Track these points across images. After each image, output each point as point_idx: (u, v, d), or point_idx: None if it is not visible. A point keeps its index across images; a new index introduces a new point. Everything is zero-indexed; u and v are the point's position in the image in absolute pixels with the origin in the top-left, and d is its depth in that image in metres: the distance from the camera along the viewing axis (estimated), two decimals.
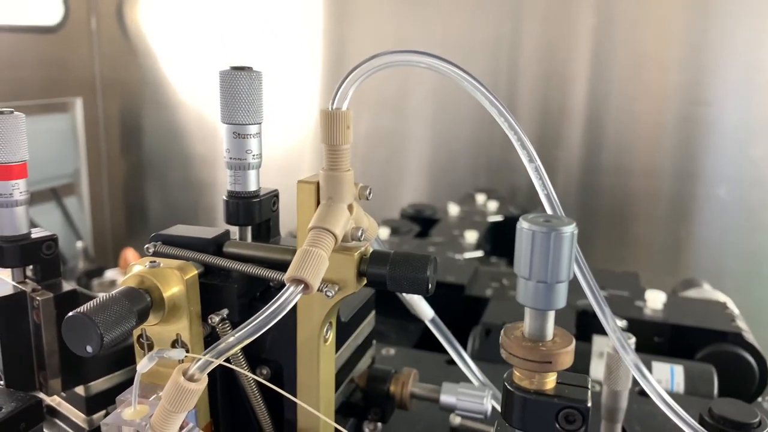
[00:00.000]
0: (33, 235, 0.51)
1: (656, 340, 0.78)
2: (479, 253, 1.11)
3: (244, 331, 0.37)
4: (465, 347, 0.76)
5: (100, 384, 0.53)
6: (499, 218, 1.32)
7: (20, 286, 0.50)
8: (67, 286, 0.51)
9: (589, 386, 0.33)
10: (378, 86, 1.76)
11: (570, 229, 0.30)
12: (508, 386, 0.33)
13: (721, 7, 1.44)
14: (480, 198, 1.44)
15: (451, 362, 0.58)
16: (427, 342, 0.70)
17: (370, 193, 0.45)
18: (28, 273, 0.51)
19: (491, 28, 1.65)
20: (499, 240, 1.28)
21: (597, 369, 0.72)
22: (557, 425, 0.32)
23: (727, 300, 0.88)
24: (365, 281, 0.45)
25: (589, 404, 0.32)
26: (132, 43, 2.03)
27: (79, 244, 1.64)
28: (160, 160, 2.12)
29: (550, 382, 0.33)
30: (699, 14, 1.47)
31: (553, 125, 1.63)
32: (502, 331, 0.33)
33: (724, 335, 0.76)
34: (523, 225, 0.31)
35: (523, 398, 0.32)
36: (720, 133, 1.48)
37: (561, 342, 0.32)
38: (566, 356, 0.31)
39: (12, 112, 0.47)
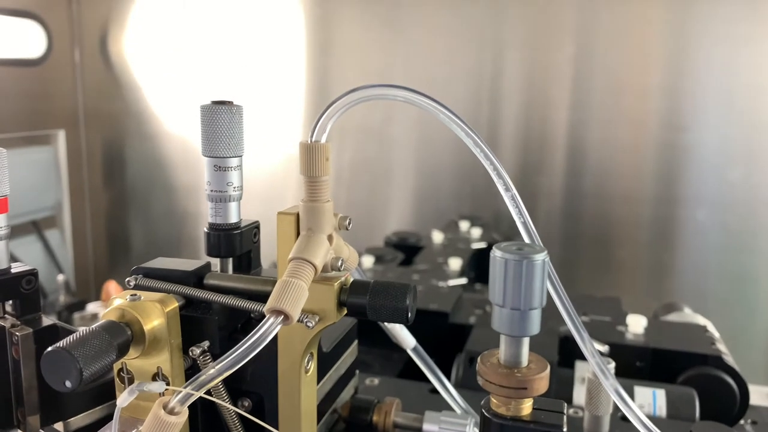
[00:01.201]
0: (13, 270, 0.51)
1: (638, 364, 0.79)
2: (463, 281, 1.11)
3: (224, 363, 0.37)
4: (449, 375, 0.77)
5: (79, 420, 0.53)
6: (482, 245, 1.33)
7: None
8: (47, 320, 0.51)
9: (565, 411, 0.33)
10: (362, 115, 1.78)
11: (542, 257, 0.31)
12: (485, 413, 0.33)
13: (698, 35, 1.48)
14: (464, 225, 1.45)
15: (435, 391, 0.58)
16: (412, 371, 0.70)
17: (350, 224, 0.46)
18: (8, 308, 0.51)
19: (472, 58, 1.68)
20: (483, 267, 1.28)
21: (580, 395, 0.72)
22: None
23: (707, 323, 0.89)
24: (345, 311, 0.45)
25: (565, 429, 0.32)
26: (115, 75, 2.04)
27: (60, 278, 1.62)
28: (143, 191, 2.12)
29: (527, 407, 0.33)
30: (677, 42, 1.51)
31: (535, 152, 1.66)
32: (478, 359, 0.34)
33: (704, 358, 0.77)
34: (496, 253, 0.32)
35: (500, 425, 0.33)
36: (698, 157, 1.52)
37: (536, 368, 0.33)
38: (541, 382, 0.32)
39: None
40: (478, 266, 1.28)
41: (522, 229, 0.44)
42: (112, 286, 1.38)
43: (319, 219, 0.43)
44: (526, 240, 0.42)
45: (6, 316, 0.51)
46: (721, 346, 0.80)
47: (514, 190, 0.45)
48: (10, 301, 0.51)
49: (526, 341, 0.33)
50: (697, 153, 1.52)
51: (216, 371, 0.37)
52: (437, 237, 1.35)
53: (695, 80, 1.49)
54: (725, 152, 1.50)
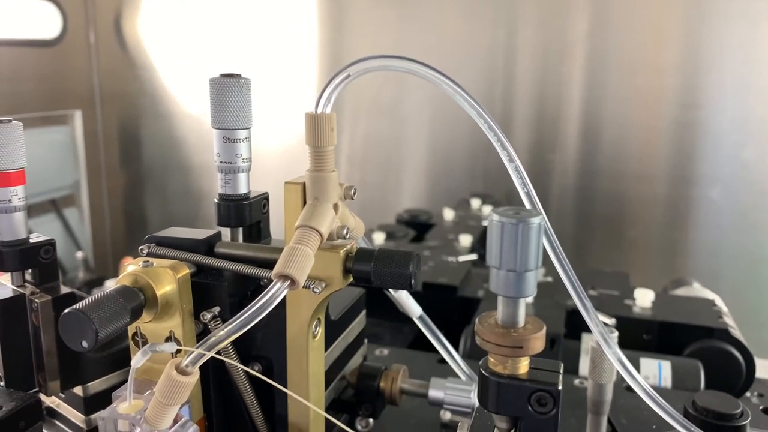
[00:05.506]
0: (31, 240, 0.52)
1: (645, 337, 0.79)
2: (473, 257, 1.12)
3: (233, 325, 0.39)
4: (457, 347, 0.78)
5: (98, 384, 0.55)
6: None
7: (19, 290, 0.52)
8: (65, 289, 0.53)
9: (561, 371, 0.34)
10: (376, 94, 1.78)
11: (537, 221, 0.32)
12: (483, 371, 0.34)
13: (714, 11, 1.46)
14: (475, 203, 1.46)
15: (443, 361, 0.59)
16: (421, 344, 0.72)
17: (354, 193, 0.47)
18: (27, 277, 0.53)
19: (487, 35, 1.67)
20: None
21: (586, 366, 0.73)
22: (530, 408, 0.33)
23: (715, 297, 0.90)
24: (351, 278, 0.46)
25: (560, 387, 0.33)
26: (130, 56, 2.06)
27: (79, 255, 1.66)
28: (159, 170, 2.14)
29: (523, 366, 0.34)
30: (693, 18, 1.49)
31: (549, 130, 1.65)
32: (476, 320, 0.35)
33: (710, 331, 0.77)
34: (493, 217, 0.32)
35: (497, 383, 0.34)
36: (713, 135, 1.50)
37: (532, 328, 0.34)
38: (537, 341, 0.33)
39: (10, 121, 0.49)
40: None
41: (525, 199, 0.45)
42: (128, 262, 1.41)
43: (325, 188, 0.44)
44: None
45: (26, 284, 0.53)
46: (729, 320, 0.80)
47: (518, 161, 0.45)
48: (30, 270, 0.53)
49: (522, 302, 0.34)
50: (712, 131, 1.50)
51: (225, 333, 0.38)
52: (448, 214, 1.36)
53: (711, 58, 1.48)
54: (740, 131, 1.48)
